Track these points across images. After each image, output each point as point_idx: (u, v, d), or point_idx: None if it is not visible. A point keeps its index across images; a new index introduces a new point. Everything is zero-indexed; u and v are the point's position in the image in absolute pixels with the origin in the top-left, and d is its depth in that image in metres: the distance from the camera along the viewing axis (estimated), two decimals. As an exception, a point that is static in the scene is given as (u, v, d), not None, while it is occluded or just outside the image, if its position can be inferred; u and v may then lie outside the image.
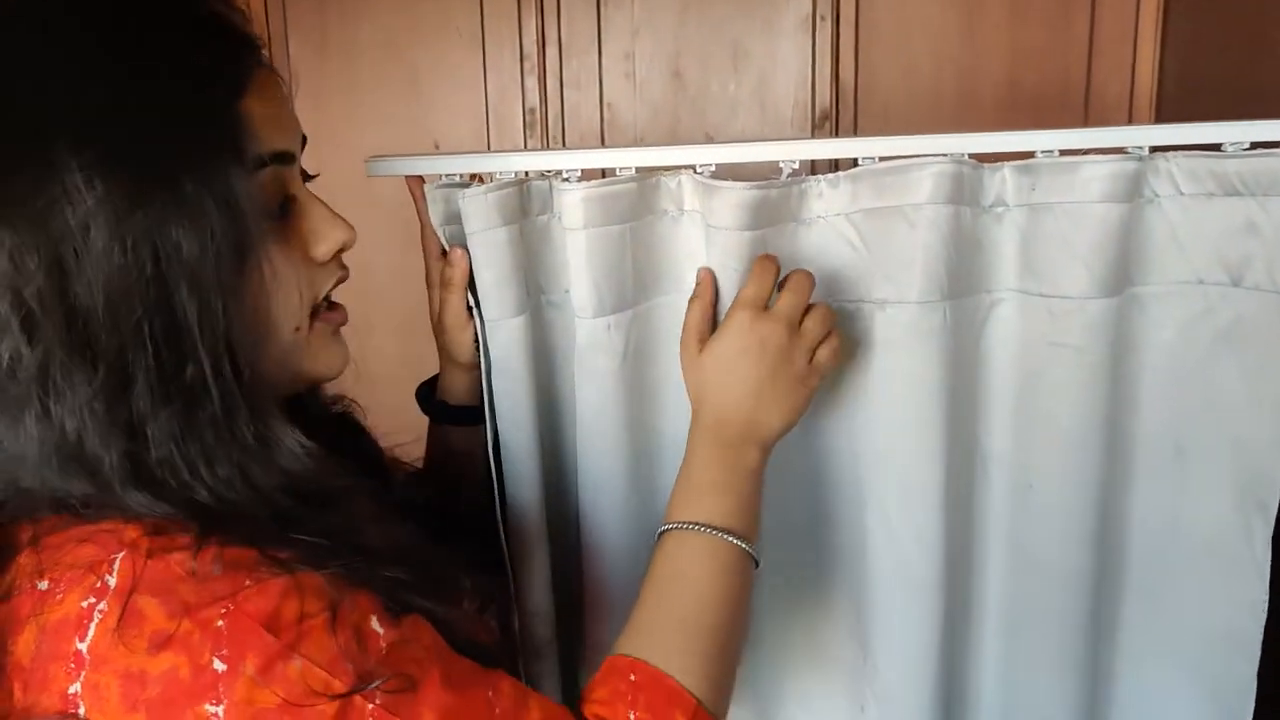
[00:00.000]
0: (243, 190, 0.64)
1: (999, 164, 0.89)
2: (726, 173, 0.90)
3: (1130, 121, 1.87)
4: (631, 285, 0.93)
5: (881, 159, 0.88)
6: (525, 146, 2.02)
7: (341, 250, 0.76)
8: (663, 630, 0.78)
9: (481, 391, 0.98)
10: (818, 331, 0.87)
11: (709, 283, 0.90)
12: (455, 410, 1.01)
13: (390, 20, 1.98)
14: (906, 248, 0.88)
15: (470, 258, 0.93)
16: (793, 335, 0.86)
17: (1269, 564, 0.96)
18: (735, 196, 0.86)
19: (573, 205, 0.89)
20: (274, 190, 0.70)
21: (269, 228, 0.69)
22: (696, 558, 0.81)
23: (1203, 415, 0.94)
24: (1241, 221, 0.87)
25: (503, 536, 0.98)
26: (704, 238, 0.90)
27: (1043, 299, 0.91)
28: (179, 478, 0.64)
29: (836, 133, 1.98)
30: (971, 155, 0.88)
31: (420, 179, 0.95)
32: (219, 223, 0.63)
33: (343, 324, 0.78)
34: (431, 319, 0.98)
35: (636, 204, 0.91)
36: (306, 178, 0.77)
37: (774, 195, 0.88)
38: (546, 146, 2.01)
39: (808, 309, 0.87)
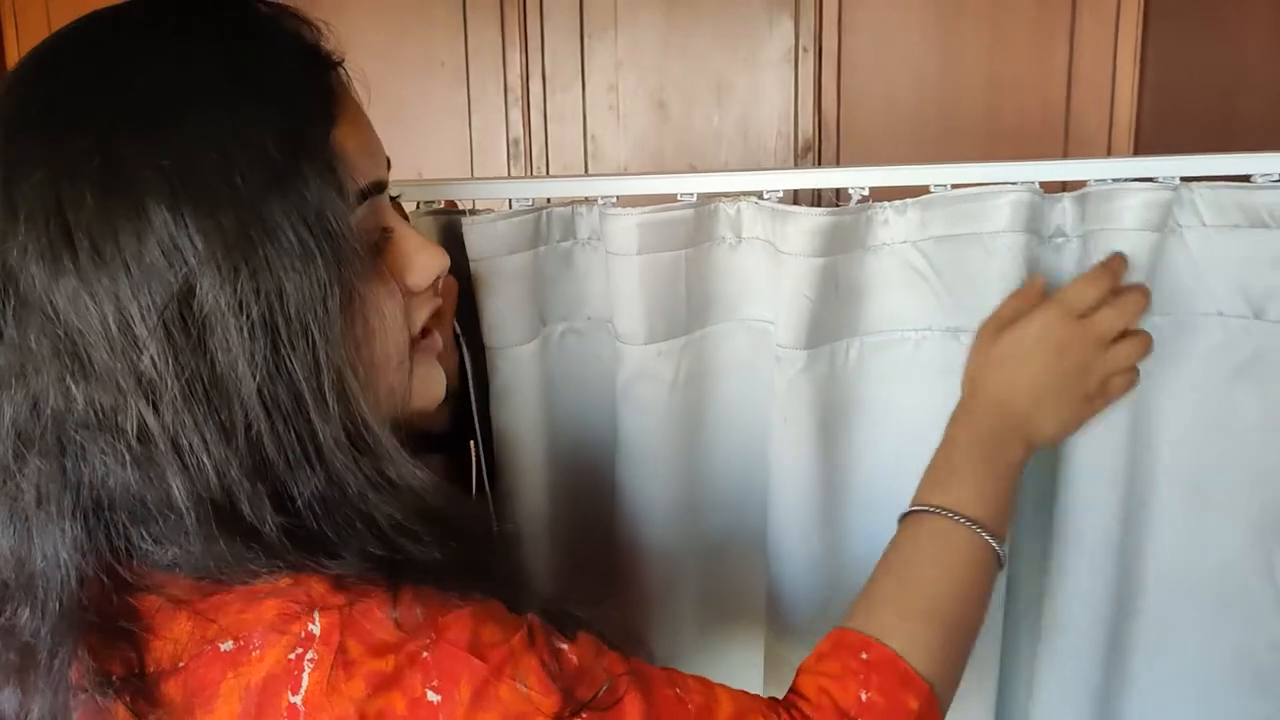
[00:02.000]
0: (345, 229, 0.61)
1: (1059, 194, 0.89)
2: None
3: (1109, 150, 1.90)
4: (684, 312, 0.92)
5: (955, 186, 0.88)
6: (509, 178, 2.01)
7: (438, 278, 0.72)
8: (898, 611, 0.74)
9: (455, 419, 0.96)
10: (1126, 360, 0.85)
11: (1040, 288, 0.87)
12: (430, 438, 0.98)
13: (374, 54, 1.97)
14: (982, 276, 0.88)
15: (478, 285, 0.91)
16: (1098, 352, 0.84)
17: None
18: (810, 222, 0.85)
19: (625, 231, 0.88)
20: (373, 224, 0.67)
21: (373, 264, 0.65)
22: (942, 545, 0.78)
23: (1220, 448, 0.94)
24: (1268, 254, 0.88)
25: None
26: (773, 263, 0.90)
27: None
28: (339, 534, 0.61)
29: (819, 163, 1.99)
30: (955, 185, 0.89)
31: (400, 205, 0.93)
32: (325, 267, 0.60)
33: (437, 350, 0.75)
34: None
35: (693, 230, 0.90)
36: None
37: (846, 221, 0.88)
38: (530, 177, 2.00)
39: (1127, 333, 0.85)
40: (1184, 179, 0.87)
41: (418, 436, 0.96)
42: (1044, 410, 0.83)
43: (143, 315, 0.57)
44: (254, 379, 0.58)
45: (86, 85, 0.59)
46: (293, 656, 0.57)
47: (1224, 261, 0.90)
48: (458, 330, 0.93)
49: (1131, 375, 0.87)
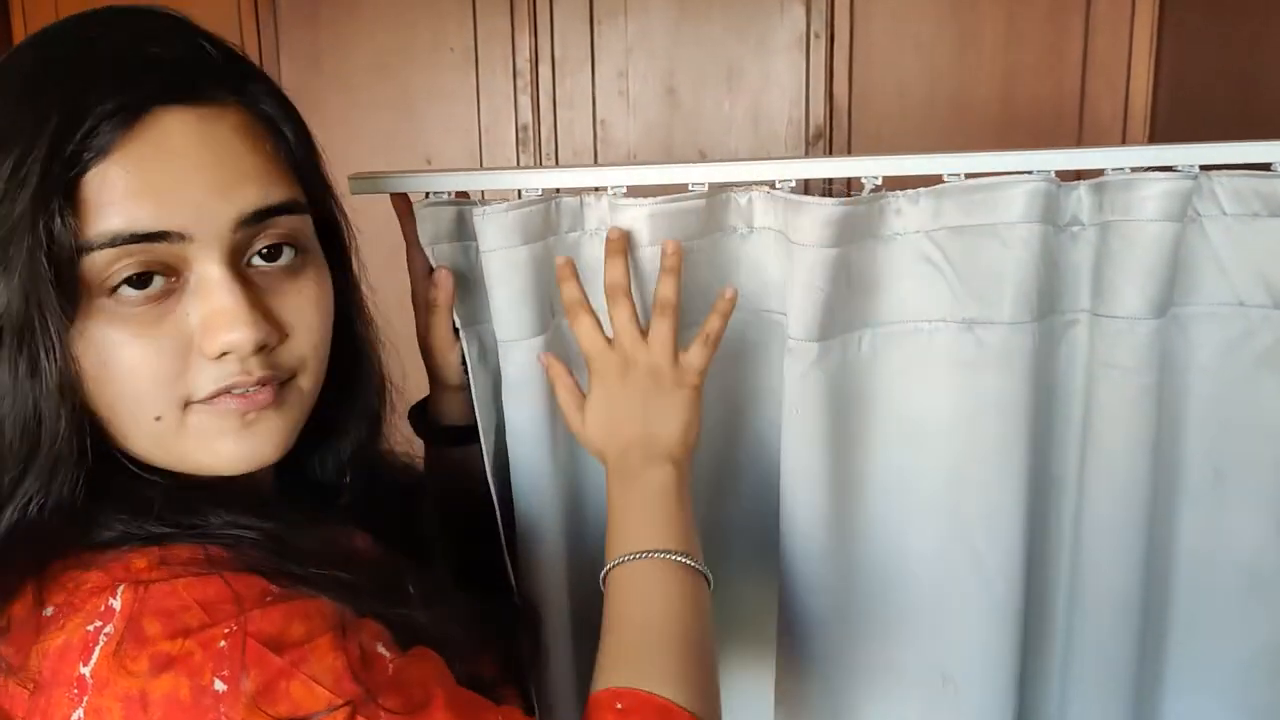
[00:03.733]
0: (38, 268, 0.60)
1: (1074, 183, 0.88)
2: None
3: (1124, 138, 1.88)
4: (697, 304, 0.91)
5: (967, 175, 0.87)
6: (518, 163, 2.00)
7: (227, 353, 0.65)
8: (632, 656, 0.75)
9: (472, 409, 0.95)
10: (664, 336, 0.86)
11: (557, 364, 0.90)
12: (450, 431, 0.98)
13: (383, 40, 1.96)
14: (997, 267, 0.87)
15: (486, 276, 0.90)
16: (638, 351, 0.86)
17: None
18: (822, 213, 0.84)
19: (638, 222, 0.87)
20: (125, 269, 0.63)
21: (95, 308, 0.63)
22: (639, 584, 0.79)
23: (1243, 438, 0.94)
24: (1290, 243, 0.87)
25: (507, 559, 0.96)
26: (784, 254, 0.89)
27: (1101, 319, 0.90)
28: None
29: (830, 150, 1.97)
30: (969, 175, 0.88)
31: (404, 197, 0.92)
32: (12, 291, 0.60)
33: (244, 413, 0.67)
34: (419, 340, 0.96)
35: (706, 221, 0.89)
36: (329, 218, 0.74)
37: (859, 211, 0.87)
38: (539, 164, 1.99)
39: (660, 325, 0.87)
40: (1203, 168, 0.86)
41: (434, 429, 0.97)
42: (651, 424, 0.85)
43: None
44: None
45: None
46: (91, 628, 0.59)
47: (1244, 251, 0.89)
48: (457, 324, 0.92)
49: (700, 341, 0.86)
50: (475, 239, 0.91)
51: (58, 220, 0.59)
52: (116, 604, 0.59)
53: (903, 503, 0.95)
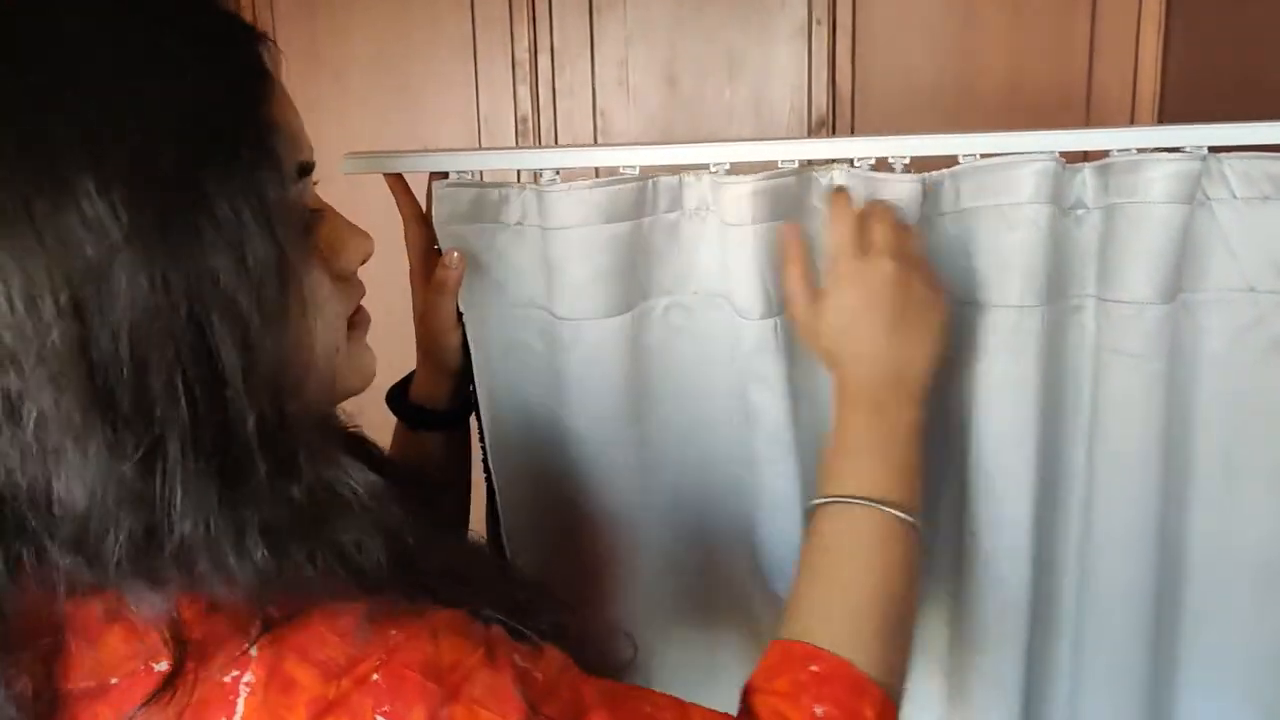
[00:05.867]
0: (279, 207, 0.57)
1: (1079, 165, 0.86)
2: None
3: (1133, 124, 1.85)
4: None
5: (983, 155, 0.85)
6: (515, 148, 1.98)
7: (363, 261, 0.71)
8: (834, 614, 0.72)
9: (458, 395, 0.95)
10: (923, 246, 0.83)
11: (797, 241, 0.85)
12: (431, 415, 0.96)
13: (381, 31, 1.94)
14: (1005, 249, 0.85)
15: (552, 253, 0.88)
16: (901, 263, 0.81)
17: None
18: (908, 190, 0.83)
19: (739, 199, 0.84)
20: (303, 204, 0.64)
21: (308, 245, 0.63)
22: (856, 534, 0.76)
23: (1255, 426, 0.91)
24: (1301, 228, 0.85)
25: (506, 548, 0.96)
26: None
27: (1108, 304, 0.88)
28: (220, 557, 0.55)
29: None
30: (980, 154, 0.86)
31: (399, 176, 0.91)
32: (259, 245, 0.55)
33: (368, 326, 0.73)
34: (417, 320, 0.93)
35: (797, 199, 0.87)
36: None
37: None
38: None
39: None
40: (1212, 149, 0.84)
41: (415, 411, 0.95)
42: (907, 350, 0.80)
43: (53, 292, 0.50)
44: (167, 363, 0.52)
45: (17, 59, 0.53)
46: (228, 680, 0.54)
47: (1255, 235, 0.87)
48: (460, 307, 0.91)
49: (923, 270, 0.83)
50: (494, 220, 0.88)
51: (268, 161, 0.57)
52: (253, 650, 0.54)
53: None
